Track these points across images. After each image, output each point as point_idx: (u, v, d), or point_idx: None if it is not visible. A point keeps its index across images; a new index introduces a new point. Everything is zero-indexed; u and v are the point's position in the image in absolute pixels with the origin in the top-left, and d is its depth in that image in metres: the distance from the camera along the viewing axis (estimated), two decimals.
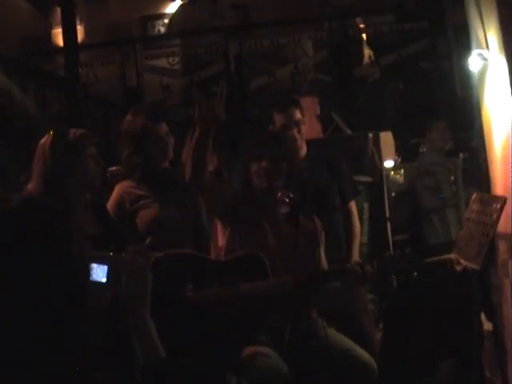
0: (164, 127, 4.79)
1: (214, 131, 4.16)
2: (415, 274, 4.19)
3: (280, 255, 4.36)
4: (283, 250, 4.39)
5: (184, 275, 4.11)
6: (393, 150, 7.53)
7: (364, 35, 9.67)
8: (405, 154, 8.66)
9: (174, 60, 10.60)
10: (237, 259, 4.25)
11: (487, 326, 5.19)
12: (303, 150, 5.28)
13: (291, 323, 4.24)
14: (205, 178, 4.24)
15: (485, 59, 5.16)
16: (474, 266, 4.50)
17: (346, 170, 5.41)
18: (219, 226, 4.60)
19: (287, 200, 4.46)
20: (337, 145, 6.70)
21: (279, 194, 4.51)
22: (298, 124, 5.22)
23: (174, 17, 11.35)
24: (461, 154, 8.22)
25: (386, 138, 7.31)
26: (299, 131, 5.21)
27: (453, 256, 4.65)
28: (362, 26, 9.69)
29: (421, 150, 8.52)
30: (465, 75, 5.53)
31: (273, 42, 10.02)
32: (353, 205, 5.36)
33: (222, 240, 4.53)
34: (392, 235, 7.33)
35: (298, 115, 5.22)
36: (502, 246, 5.21)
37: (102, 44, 10.88)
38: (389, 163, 7.52)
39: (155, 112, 4.84)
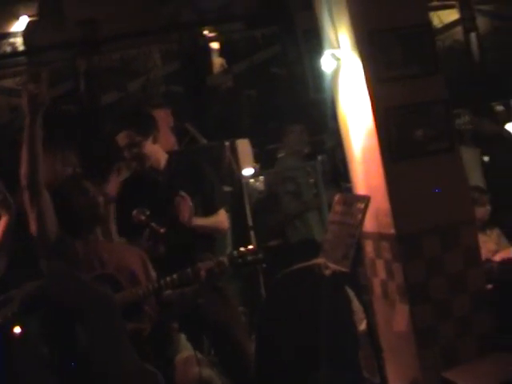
0: None
1: (40, 118, 4.00)
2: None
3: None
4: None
5: None
6: (251, 157, 7.46)
7: (215, 44, 9.60)
8: (263, 160, 8.62)
9: (20, 80, 10.22)
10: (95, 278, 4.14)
11: (363, 326, 5.18)
12: (162, 163, 5.16)
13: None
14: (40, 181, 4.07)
15: (337, 59, 5.15)
16: (343, 269, 4.45)
17: (212, 178, 5.30)
18: None
19: (143, 218, 4.39)
20: (193, 156, 6.57)
21: (134, 212, 4.41)
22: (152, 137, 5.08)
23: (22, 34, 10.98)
24: (319, 157, 8.24)
25: (243, 146, 7.23)
26: (147, 147, 5.08)
27: (320, 260, 4.60)
28: (211, 34, 9.61)
29: (279, 156, 8.50)
30: (317, 77, 5.51)
31: (122, 55, 9.82)
32: (222, 213, 5.23)
33: None
34: (263, 242, 7.28)
35: (135, 135, 5.08)
36: (368, 246, 5.21)
37: None
38: (248, 171, 7.44)
39: None
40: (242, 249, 4.61)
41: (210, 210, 5.13)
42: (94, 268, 4.22)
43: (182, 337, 4.63)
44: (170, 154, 5.28)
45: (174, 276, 4.34)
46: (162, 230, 4.59)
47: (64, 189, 4.32)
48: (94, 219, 4.33)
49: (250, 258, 4.57)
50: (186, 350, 4.55)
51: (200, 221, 5.02)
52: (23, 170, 4.06)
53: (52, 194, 4.19)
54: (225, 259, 4.51)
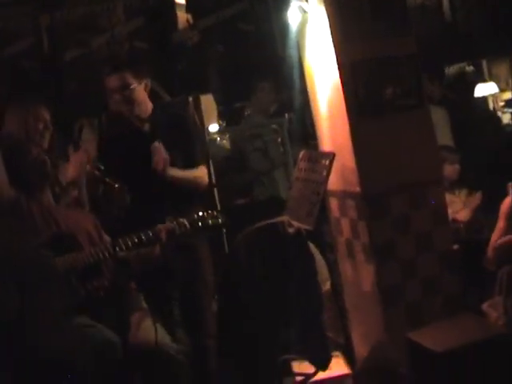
0: None
1: None
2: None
3: None
4: None
5: None
6: (215, 113, 7.35)
7: None
8: (229, 117, 8.50)
9: None
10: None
11: (327, 285, 5.12)
12: (148, 112, 5.06)
13: None
14: None
15: (304, 12, 5.02)
16: (307, 227, 4.37)
17: (196, 132, 5.23)
18: None
19: (97, 173, 4.32)
20: (178, 108, 6.47)
21: (88, 168, 4.38)
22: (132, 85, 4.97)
23: None
24: (286, 115, 8.14)
25: (207, 102, 7.11)
26: (139, 92, 4.97)
27: (284, 218, 4.51)
28: None
29: (246, 113, 8.39)
30: (285, 33, 5.39)
31: (86, 11, 9.58)
32: (202, 168, 5.12)
33: None
34: (229, 201, 7.21)
35: (131, 77, 4.96)
36: (333, 204, 5.12)
37: None
38: (213, 127, 7.32)
39: None
40: (201, 213, 4.53)
41: (190, 164, 5.02)
42: (51, 228, 4.14)
43: (140, 296, 4.55)
44: (155, 104, 5.17)
45: (133, 236, 4.26)
46: (116, 185, 4.48)
47: (7, 149, 4.22)
48: (41, 179, 4.24)
49: (210, 221, 4.50)
50: (142, 309, 4.48)
51: (178, 172, 4.91)
52: None
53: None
54: (185, 221, 4.43)
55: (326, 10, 4.76)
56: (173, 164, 4.89)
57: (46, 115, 4.95)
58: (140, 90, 4.98)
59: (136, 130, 5.01)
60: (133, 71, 4.94)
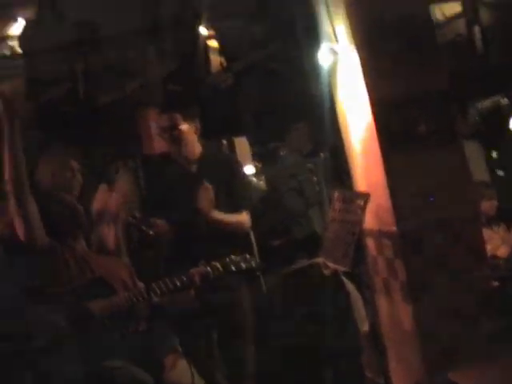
0: None
1: (18, 123, 3.95)
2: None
3: None
4: None
5: None
6: (249, 155, 7.37)
7: (213, 42, 9.49)
8: (264, 158, 8.52)
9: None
10: None
11: (365, 325, 5.08)
12: (196, 153, 5.09)
13: None
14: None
15: (335, 53, 5.04)
16: (343, 268, 4.35)
17: (242, 178, 5.26)
18: None
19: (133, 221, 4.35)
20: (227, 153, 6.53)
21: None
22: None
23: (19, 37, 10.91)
24: (321, 154, 8.13)
25: (241, 144, 7.13)
26: (188, 133, 5.03)
27: (320, 260, 4.49)
28: (210, 32, 9.51)
29: (281, 153, 8.40)
30: (317, 74, 5.41)
31: (119, 55, 9.72)
32: (245, 214, 5.13)
33: None
34: (268, 241, 7.19)
35: (181, 118, 5.01)
36: (369, 243, 5.10)
37: None
38: (249, 169, 7.34)
39: None
40: (234, 256, 4.52)
41: (233, 209, 5.03)
42: (85, 274, 4.17)
43: (175, 338, 4.55)
44: (204, 147, 5.22)
45: (167, 281, 4.26)
46: (151, 233, 4.51)
47: (40, 198, 4.27)
48: (74, 226, 4.28)
49: (243, 265, 4.48)
50: (176, 351, 4.47)
51: (222, 216, 4.92)
52: (7, 175, 4.00)
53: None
54: (218, 264, 4.42)
55: (357, 49, 4.78)
56: (217, 207, 4.91)
57: (74, 164, 5.01)
58: (189, 132, 5.01)
59: (183, 171, 5.04)
60: (183, 112, 4.99)
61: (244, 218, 5.08)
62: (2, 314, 3.68)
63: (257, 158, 8.19)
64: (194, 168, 5.07)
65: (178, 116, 4.97)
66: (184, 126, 4.97)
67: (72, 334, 3.62)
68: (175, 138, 4.97)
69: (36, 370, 3.53)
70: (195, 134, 5.06)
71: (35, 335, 3.41)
